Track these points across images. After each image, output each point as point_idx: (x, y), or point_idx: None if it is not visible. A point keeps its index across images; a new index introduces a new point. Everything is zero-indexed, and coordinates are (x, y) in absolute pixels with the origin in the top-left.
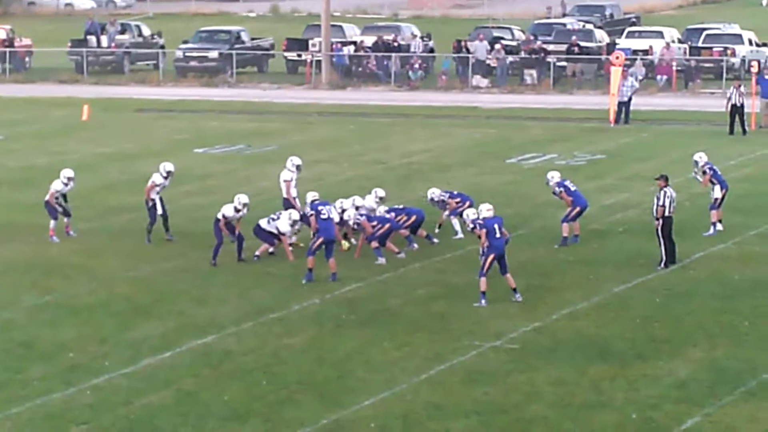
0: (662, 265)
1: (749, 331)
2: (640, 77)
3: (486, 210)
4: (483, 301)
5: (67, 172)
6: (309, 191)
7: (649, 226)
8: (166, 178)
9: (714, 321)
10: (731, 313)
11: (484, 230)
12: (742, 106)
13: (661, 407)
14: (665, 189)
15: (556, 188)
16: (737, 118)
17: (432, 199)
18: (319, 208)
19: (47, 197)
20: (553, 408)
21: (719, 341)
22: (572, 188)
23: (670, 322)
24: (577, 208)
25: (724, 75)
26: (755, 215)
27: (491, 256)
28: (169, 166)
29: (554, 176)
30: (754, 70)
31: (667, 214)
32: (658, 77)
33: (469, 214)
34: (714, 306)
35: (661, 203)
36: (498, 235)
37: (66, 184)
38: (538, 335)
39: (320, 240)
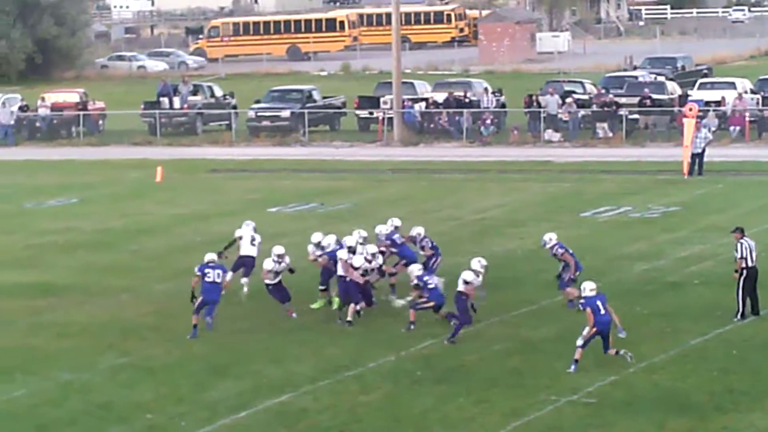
0: (738, 317)
1: None
2: (713, 128)
3: (589, 289)
4: (573, 368)
5: (278, 249)
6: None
7: (724, 278)
8: (278, 262)
9: None
10: None
11: (588, 309)
12: None
13: None
14: (742, 240)
15: (558, 249)
16: None
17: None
18: (206, 270)
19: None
20: None
21: None
22: (570, 250)
23: (748, 373)
24: (577, 272)
25: None
26: None
27: (594, 331)
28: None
29: (552, 238)
30: None
31: (750, 265)
32: (731, 128)
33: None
34: None
35: (740, 255)
36: (603, 311)
37: (278, 263)
38: (614, 389)
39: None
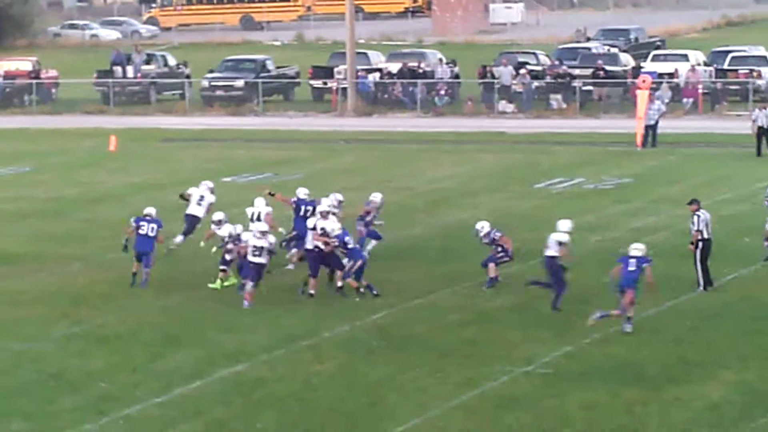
0: (701, 288)
1: None
2: (666, 100)
3: (633, 249)
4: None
5: (259, 226)
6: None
7: (678, 249)
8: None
9: (746, 343)
10: (763, 335)
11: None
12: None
13: (693, 431)
14: (698, 212)
15: (496, 234)
16: (764, 140)
17: None
18: (141, 223)
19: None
20: None
21: (752, 363)
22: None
23: (701, 344)
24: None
25: (750, 97)
26: None
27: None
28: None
29: (484, 226)
30: None
31: (706, 237)
32: (684, 100)
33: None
34: (746, 328)
35: (696, 228)
36: (633, 269)
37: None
38: (569, 360)
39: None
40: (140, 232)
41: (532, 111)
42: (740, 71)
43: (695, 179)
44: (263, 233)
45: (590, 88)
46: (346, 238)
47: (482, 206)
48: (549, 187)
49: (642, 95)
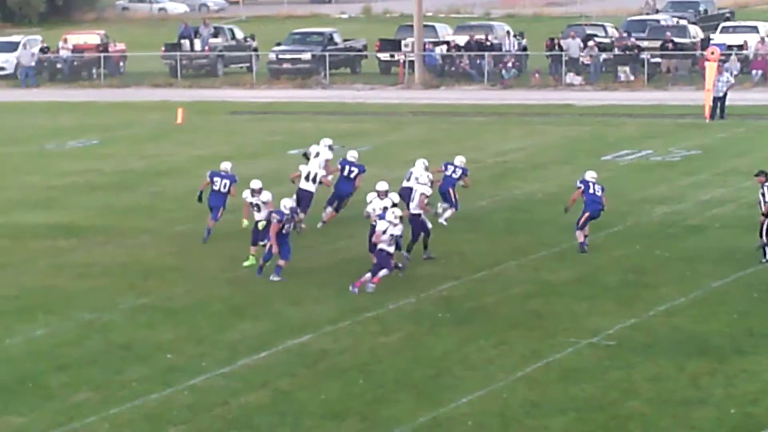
0: (765, 260)
1: None
2: (735, 72)
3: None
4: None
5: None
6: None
7: (745, 221)
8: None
9: None
10: None
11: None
12: None
13: (760, 402)
14: (767, 184)
15: (578, 183)
16: None
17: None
18: (214, 178)
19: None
20: (650, 404)
21: None
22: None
23: None
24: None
25: None
26: None
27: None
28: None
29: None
30: None
31: None
32: (754, 72)
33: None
34: None
35: (765, 200)
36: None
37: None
38: (634, 331)
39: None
40: (213, 187)
41: (599, 83)
42: None
43: (764, 151)
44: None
45: (658, 60)
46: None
47: (549, 179)
48: (616, 160)
49: (710, 67)
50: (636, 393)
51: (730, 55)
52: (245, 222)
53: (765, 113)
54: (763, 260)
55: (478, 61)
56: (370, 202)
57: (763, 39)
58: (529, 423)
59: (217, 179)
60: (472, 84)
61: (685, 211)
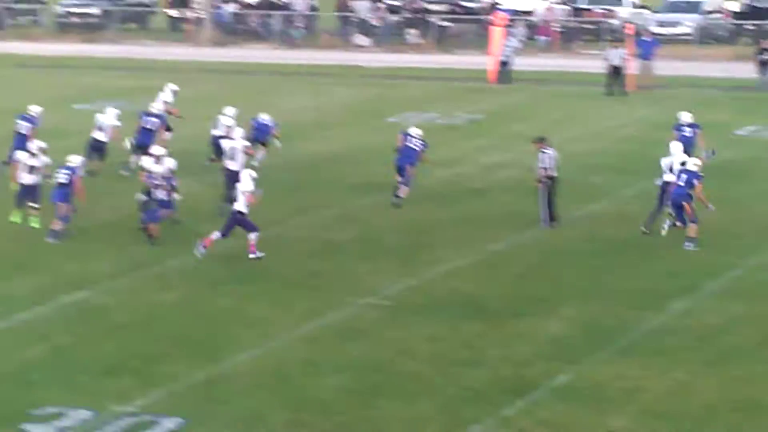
0: (545, 224)
1: (622, 288)
2: (521, 38)
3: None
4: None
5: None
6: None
7: (526, 186)
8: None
9: (588, 279)
10: (605, 272)
11: None
12: (622, 67)
13: (533, 364)
14: (545, 150)
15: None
16: (617, 79)
17: None
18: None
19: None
20: (426, 364)
21: (592, 299)
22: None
23: (544, 280)
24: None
25: (605, 36)
26: (632, 175)
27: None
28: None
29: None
30: (629, 32)
31: (552, 174)
32: (539, 38)
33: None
34: (588, 264)
35: (543, 165)
36: (683, 184)
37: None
38: (413, 292)
39: None
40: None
41: (388, 45)
42: (595, 10)
43: (547, 117)
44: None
45: (447, 23)
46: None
47: (335, 139)
48: (402, 122)
49: (496, 32)
50: (412, 353)
51: (518, 20)
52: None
53: (549, 79)
54: (542, 225)
55: (268, 20)
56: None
57: (550, 5)
58: (306, 382)
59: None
60: (262, 43)
61: (468, 175)
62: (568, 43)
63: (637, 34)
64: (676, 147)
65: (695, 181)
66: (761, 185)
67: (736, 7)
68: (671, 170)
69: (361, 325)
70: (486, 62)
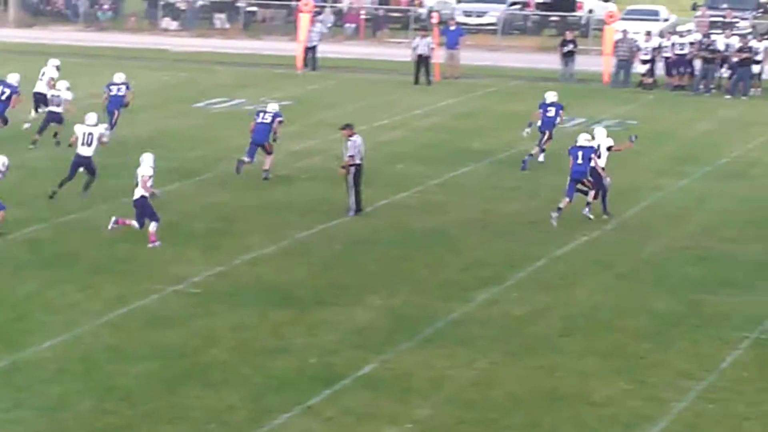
0: (352, 212)
1: (427, 279)
2: (328, 24)
3: (584, 139)
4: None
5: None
6: None
7: (332, 173)
8: None
9: (394, 269)
10: (411, 261)
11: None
12: (429, 56)
13: (339, 353)
14: (351, 138)
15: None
16: (423, 68)
17: None
18: None
19: None
20: (232, 352)
21: (398, 289)
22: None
23: (351, 269)
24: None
25: (411, 25)
26: (437, 165)
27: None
28: None
29: None
30: (435, 21)
31: (358, 161)
32: (347, 25)
33: None
34: (394, 254)
35: (349, 153)
36: (580, 161)
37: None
38: (219, 280)
39: None
40: None
41: (195, 29)
42: None
43: (354, 104)
44: None
45: (254, 8)
46: None
47: (141, 124)
48: (208, 107)
49: (304, 18)
50: (218, 341)
51: (325, 7)
52: None
53: (356, 67)
54: (350, 213)
55: (73, 1)
56: None
57: None
58: (111, 369)
59: None
60: (68, 24)
61: (276, 162)
62: (375, 31)
63: (443, 23)
64: (600, 132)
65: (592, 155)
66: (565, 176)
67: None
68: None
69: (168, 312)
70: (293, 48)
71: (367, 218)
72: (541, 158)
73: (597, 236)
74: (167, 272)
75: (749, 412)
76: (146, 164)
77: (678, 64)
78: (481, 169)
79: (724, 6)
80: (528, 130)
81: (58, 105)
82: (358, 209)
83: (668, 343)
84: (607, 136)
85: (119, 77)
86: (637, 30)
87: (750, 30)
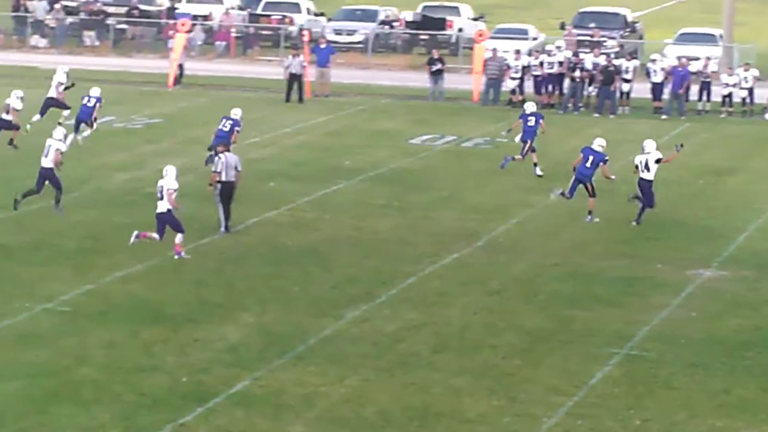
0: (223, 229)
1: (299, 296)
2: (199, 42)
3: (597, 144)
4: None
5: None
6: None
7: (203, 191)
8: None
9: (265, 286)
10: (282, 279)
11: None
12: (301, 75)
13: (211, 371)
14: (222, 155)
15: None
16: (295, 86)
17: None
18: None
19: None
20: (103, 370)
21: (270, 306)
22: None
23: (222, 286)
24: None
25: (282, 43)
26: (308, 182)
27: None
28: None
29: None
30: (306, 39)
31: (224, 179)
32: (217, 43)
33: None
34: (266, 271)
35: (216, 169)
36: (588, 165)
37: None
38: (90, 298)
39: None
40: None
41: (65, 47)
42: (273, 17)
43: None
44: None
45: (124, 26)
46: None
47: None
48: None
49: (180, 37)
50: (89, 359)
51: (195, 24)
52: None
53: (227, 84)
54: (221, 231)
55: None
56: None
57: (227, 10)
58: None
59: None
60: None
61: (146, 179)
62: (245, 48)
63: (314, 41)
64: (650, 145)
65: (601, 164)
66: (435, 193)
67: (410, 17)
68: (647, 167)
69: (38, 330)
70: (164, 66)
71: (238, 236)
72: (539, 172)
73: (468, 253)
74: (36, 290)
75: (618, 427)
76: (171, 177)
77: (547, 82)
78: (351, 186)
79: (592, 25)
80: (505, 133)
81: (7, 112)
82: (226, 228)
83: (538, 359)
84: (656, 149)
85: (95, 91)
86: (506, 49)
87: (617, 49)
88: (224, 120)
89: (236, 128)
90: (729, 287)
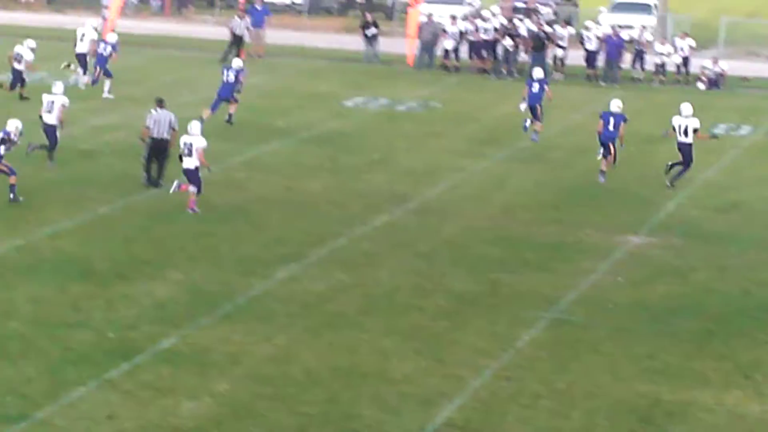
0: (146, 182)
1: (228, 255)
2: (134, 1)
3: (615, 106)
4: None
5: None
6: None
7: (135, 149)
8: None
9: (195, 244)
10: (211, 237)
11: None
12: (243, 36)
13: (138, 327)
14: (154, 110)
15: None
16: (236, 48)
17: None
18: None
19: None
20: (30, 325)
21: (199, 264)
22: None
23: (152, 243)
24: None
25: (218, 3)
26: (241, 142)
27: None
28: None
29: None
30: None
31: (155, 136)
32: (152, 2)
33: None
34: (195, 229)
35: (147, 125)
36: (612, 128)
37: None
38: (18, 253)
39: None
40: None
41: None
42: None
43: (158, 80)
44: None
45: None
46: None
47: None
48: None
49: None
50: (16, 314)
51: None
52: None
53: (162, 43)
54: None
55: None
56: None
57: None
58: None
59: None
60: None
61: (77, 136)
62: (180, 7)
63: (249, 2)
64: (687, 108)
65: (622, 123)
66: (367, 156)
67: None
68: (685, 132)
69: None
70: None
71: (168, 193)
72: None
73: (398, 216)
74: None
75: (543, 390)
76: (197, 133)
77: (481, 47)
78: (284, 147)
79: None
80: (522, 105)
81: (18, 62)
82: (155, 183)
83: (466, 321)
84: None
85: (111, 37)
86: (442, 14)
87: (553, 17)
88: (226, 71)
89: (240, 77)
90: (657, 254)
